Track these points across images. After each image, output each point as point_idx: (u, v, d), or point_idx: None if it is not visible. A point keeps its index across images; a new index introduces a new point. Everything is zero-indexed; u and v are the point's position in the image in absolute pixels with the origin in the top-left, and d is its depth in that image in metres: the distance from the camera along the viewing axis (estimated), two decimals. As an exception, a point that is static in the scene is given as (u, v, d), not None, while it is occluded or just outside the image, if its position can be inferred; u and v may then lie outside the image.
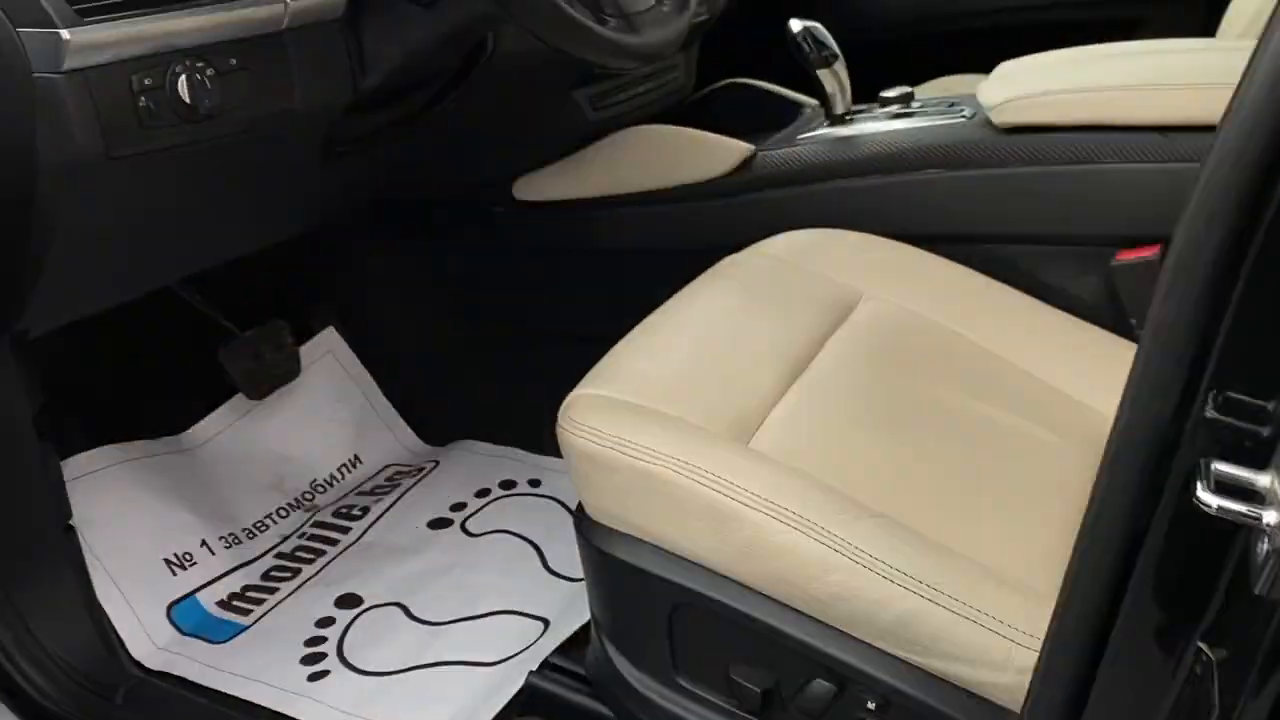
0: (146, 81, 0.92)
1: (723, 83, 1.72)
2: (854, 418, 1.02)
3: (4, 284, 1.02)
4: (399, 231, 1.67)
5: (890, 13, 2.03)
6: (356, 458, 1.69)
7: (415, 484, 1.63)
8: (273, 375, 1.63)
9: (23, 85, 0.87)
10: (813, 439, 0.99)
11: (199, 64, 0.95)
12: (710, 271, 1.22)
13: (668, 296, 1.16)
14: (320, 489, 1.63)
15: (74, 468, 1.40)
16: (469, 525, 1.54)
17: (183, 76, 0.94)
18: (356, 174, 1.33)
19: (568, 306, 1.61)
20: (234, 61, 0.98)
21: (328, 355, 1.73)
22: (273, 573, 1.48)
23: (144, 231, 1.11)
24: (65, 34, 0.86)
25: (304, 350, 1.68)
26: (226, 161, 1.07)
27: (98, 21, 0.88)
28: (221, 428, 1.61)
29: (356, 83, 1.11)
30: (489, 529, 1.52)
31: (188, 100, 0.94)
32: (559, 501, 1.55)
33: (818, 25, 1.42)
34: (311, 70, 1.06)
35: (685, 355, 1.07)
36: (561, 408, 1.00)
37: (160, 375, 1.60)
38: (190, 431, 1.59)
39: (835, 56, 1.42)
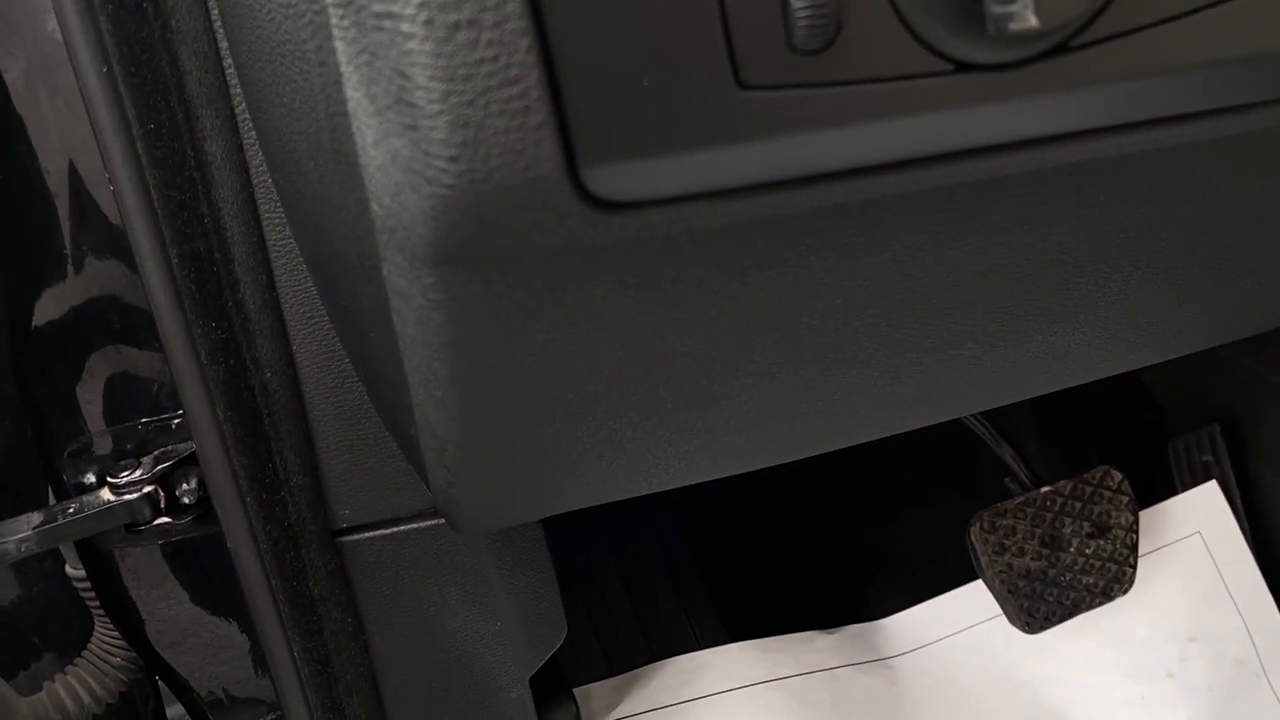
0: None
1: None
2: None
3: None
4: None
5: None
6: None
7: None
8: (1074, 588, 0.82)
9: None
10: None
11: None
12: None
13: None
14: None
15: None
16: None
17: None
18: None
19: None
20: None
21: (1193, 538, 0.91)
22: None
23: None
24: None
25: (1144, 520, 0.87)
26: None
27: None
28: (942, 633, 0.89)
29: None
30: None
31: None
32: None
33: None
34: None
35: None
36: None
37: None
38: (881, 626, 0.91)
39: None
